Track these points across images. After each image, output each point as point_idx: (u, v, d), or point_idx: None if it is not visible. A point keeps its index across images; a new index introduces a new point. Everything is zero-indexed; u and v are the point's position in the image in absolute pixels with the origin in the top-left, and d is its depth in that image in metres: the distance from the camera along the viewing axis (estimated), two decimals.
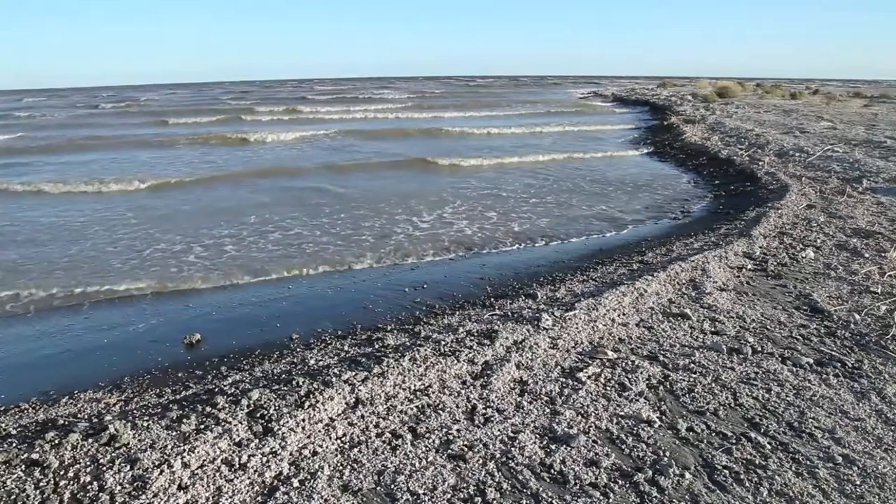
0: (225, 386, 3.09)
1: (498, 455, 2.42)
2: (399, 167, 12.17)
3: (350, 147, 15.31)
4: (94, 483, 2.18)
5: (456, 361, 3.15)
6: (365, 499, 2.17)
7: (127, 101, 39.68)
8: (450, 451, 2.45)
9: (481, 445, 2.48)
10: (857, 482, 2.26)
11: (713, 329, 3.72)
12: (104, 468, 2.26)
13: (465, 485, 2.24)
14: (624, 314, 3.92)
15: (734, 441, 2.53)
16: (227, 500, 2.12)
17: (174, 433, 2.48)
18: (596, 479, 2.28)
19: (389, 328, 4.13)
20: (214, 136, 17.13)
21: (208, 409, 2.72)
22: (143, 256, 6.11)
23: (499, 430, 2.59)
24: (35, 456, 2.35)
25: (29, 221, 7.74)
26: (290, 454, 2.38)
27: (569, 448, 2.47)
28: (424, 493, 2.19)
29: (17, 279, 5.38)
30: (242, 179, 10.87)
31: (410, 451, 2.44)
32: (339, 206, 8.46)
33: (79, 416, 2.92)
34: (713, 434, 2.59)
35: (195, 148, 15.39)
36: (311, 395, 2.76)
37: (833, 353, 3.38)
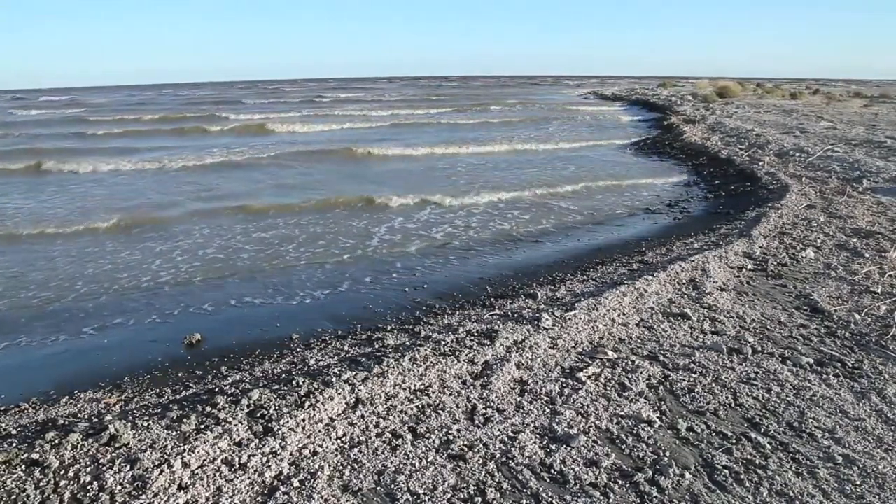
0: (225, 386, 3.09)
1: (498, 455, 2.42)
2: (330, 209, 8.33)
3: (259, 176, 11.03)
4: (94, 483, 2.18)
5: (456, 361, 3.15)
6: (365, 499, 2.17)
7: (73, 106, 36.93)
8: (450, 451, 2.45)
9: (481, 445, 2.48)
10: (858, 482, 2.26)
11: (713, 329, 3.72)
12: (104, 468, 2.26)
13: (465, 485, 2.24)
14: (624, 314, 3.92)
15: (734, 441, 2.53)
16: (227, 500, 2.12)
17: (174, 433, 2.48)
18: (596, 479, 2.28)
19: (389, 328, 4.13)
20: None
21: (208, 409, 2.72)
22: None
23: (499, 430, 2.59)
24: (35, 456, 2.35)
25: None
26: (291, 454, 2.38)
27: (569, 448, 2.47)
28: (424, 493, 2.19)
29: None
30: None
31: (410, 451, 2.44)
32: None
33: (79, 416, 2.92)
34: (713, 434, 2.59)
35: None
36: (311, 395, 2.76)
37: (833, 353, 3.38)
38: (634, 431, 2.60)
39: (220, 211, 8.20)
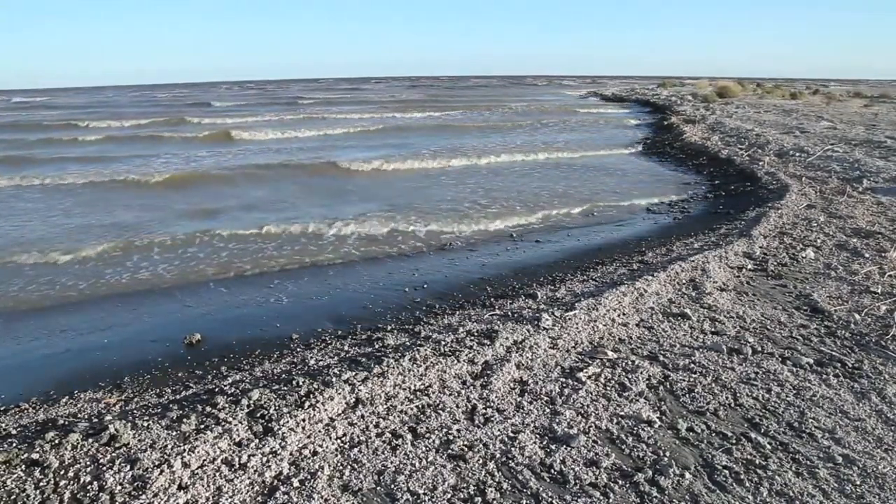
0: (225, 386, 3.09)
1: (498, 455, 2.42)
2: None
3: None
4: (94, 483, 2.18)
5: (456, 361, 3.15)
6: (365, 499, 2.17)
7: (43, 108, 35.10)
8: (450, 451, 2.45)
9: (481, 445, 2.48)
10: (858, 482, 2.26)
11: (713, 329, 3.72)
12: (104, 468, 2.26)
13: (465, 485, 2.24)
14: (624, 314, 3.92)
15: (734, 441, 2.53)
16: (227, 499, 2.12)
17: (174, 433, 2.48)
18: (596, 479, 2.28)
19: (389, 328, 4.13)
20: None
21: (208, 409, 2.72)
22: None
23: (499, 430, 2.59)
24: (35, 456, 2.35)
25: None
26: (291, 454, 2.38)
27: (569, 448, 2.47)
28: (424, 493, 2.19)
29: None
30: None
31: (410, 451, 2.44)
32: None
33: (79, 416, 2.92)
34: (713, 434, 2.59)
35: None
36: (312, 395, 2.76)
37: (833, 353, 3.38)
38: (634, 431, 2.60)
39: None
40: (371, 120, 22.99)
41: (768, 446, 2.49)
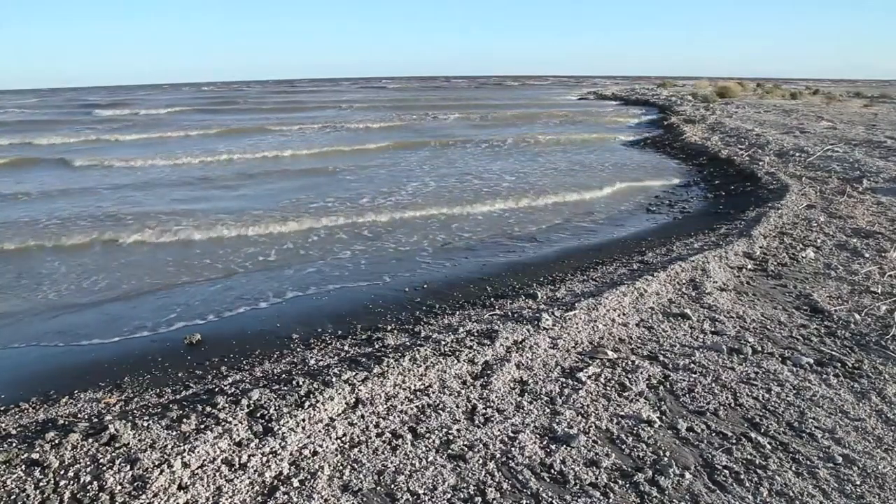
0: (225, 386, 3.09)
1: (498, 455, 2.42)
2: None
3: None
4: (94, 483, 2.18)
5: (456, 361, 3.15)
6: (365, 499, 2.17)
7: None
8: (450, 451, 2.45)
9: (481, 445, 2.48)
10: (858, 482, 2.26)
11: (713, 329, 3.72)
12: (104, 468, 2.26)
13: (465, 485, 2.24)
14: (624, 314, 3.92)
15: (734, 441, 2.53)
16: (227, 499, 2.12)
17: (174, 433, 2.48)
18: (596, 479, 2.28)
19: (389, 328, 4.13)
20: None
21: (208, 408, 2.72)
22: None
23: (499, 430, 2.59)
24: (35, 456, 2.35)
25: None
26: (291, 454, 2.38)
27: (569, 448, 2.47)
28: (424, 493, 2.19)
29: None
30: None
31: (410, 451, 2.44)
32: None
33: (79, 416, 2.92)
34: (713, 434, 2.59)
35: None
36: (312, 395, 2.76)
37: (833, 353, 3.38)
38: (634, 431, 2.60)
39: None
40: (321, 133, 17.56)
41: (768, 446, 2.49)
